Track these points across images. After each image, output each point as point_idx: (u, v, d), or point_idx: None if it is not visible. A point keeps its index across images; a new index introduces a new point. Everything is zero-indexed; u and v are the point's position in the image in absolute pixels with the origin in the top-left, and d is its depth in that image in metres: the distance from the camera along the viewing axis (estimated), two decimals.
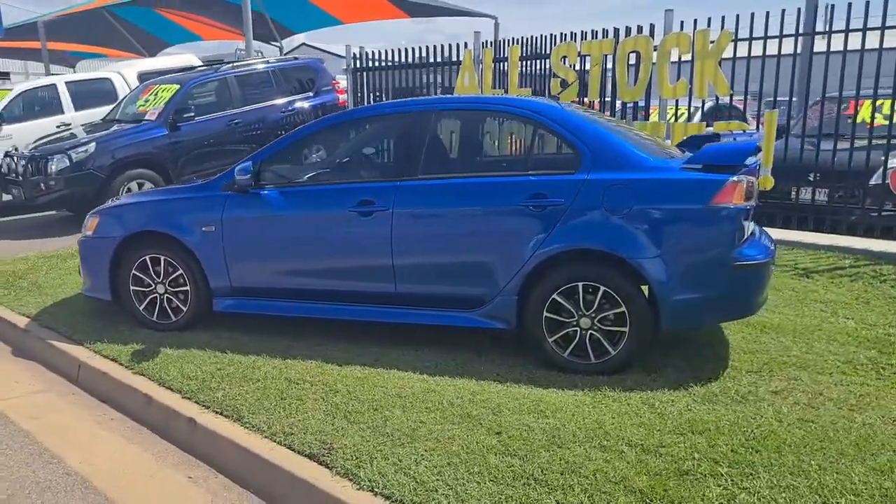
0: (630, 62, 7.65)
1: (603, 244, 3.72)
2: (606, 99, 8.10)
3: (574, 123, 3.91)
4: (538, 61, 8.63)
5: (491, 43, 8.88)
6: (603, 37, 7.89)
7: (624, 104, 8.00)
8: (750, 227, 3.93)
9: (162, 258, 4.49)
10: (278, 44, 21.98)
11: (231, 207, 4.32)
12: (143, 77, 10.90)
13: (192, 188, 4.68)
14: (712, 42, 7.06)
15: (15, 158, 8.70)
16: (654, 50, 7.43)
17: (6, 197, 9.27)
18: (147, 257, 4.52)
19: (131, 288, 4.60)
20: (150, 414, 3.62)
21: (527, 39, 8.58)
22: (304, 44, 30.77)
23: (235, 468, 3.11)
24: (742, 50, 7.13)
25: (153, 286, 4.56)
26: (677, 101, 7.65)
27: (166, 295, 4.55)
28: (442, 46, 9.57)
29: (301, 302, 4.32)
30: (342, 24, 22.79)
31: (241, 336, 4.43)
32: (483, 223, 3.93)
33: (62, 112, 10.25)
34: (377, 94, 10.36)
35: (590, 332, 3.80)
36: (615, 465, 2.82)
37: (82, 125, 9.77)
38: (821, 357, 4.01)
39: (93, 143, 8.41)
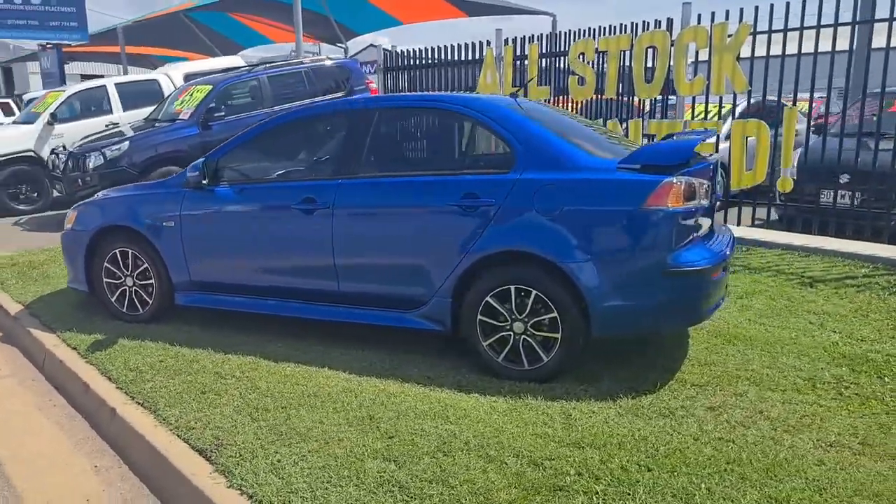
0: (648, 60, 7.38)
1: (533, 246, 3.58)
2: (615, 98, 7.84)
3: (511, 121, 3.78)
4: (560, 59, 8.40)
5: (513, 40, 8.72)
6: (621, 32, 7.63)
7: (654, 101, 7.69)
8: (702, 229, 3.69)
9: (130, 252, 4.66)
10: (343, 45, 22.42)
11: (188, 204, 4.43)
12: (188, 78, 11.32)
13: (157, 184, 4.83)
14: (730, 36, 6.70)
15: (59, 155, 9.24)
16: (672, 45, 7.13)
17: (55, 192, 9.87)
18: (117, 251, 4.70)
19: (104, 280, 4.79)
20: (86, 402, 3.76)
21: (547, 36, 8.38)
22: (371, 45, 31.26)
23: (137, 459, 3.18)
24: (762, 44, 6.72)
25: (123, 279, 4.73)
26: (712, 98, 7.28)
27: (134, 288, 4.72)
28: (468, 44, 9.49)
29: (252, 298, 4.38)
30: (402, 25, 23.02)
31: (200, 330, 4.53)
32: (418, 223, 3.87)
33: (111, 112, 10.79)
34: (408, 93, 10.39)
35: (523, 337, 3.66)
36: (489, 477, 2.71)
37: (129, 124, 10.27)
38: (781, 372, 3.72)
39: (126, 142, 8.82)
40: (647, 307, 3.51)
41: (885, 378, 3.65)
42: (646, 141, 7.31)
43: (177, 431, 3.20)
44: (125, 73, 20.19)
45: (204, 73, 11.28)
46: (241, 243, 4.35)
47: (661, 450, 2.93)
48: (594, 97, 8.10)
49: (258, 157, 4.45)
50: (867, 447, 2.97)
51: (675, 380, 3.67)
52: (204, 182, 4.30)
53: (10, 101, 20.49)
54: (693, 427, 3.15)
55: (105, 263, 4.75)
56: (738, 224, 7.06)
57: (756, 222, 7.28)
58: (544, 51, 8.45)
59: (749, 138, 6.75)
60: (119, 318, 4.78)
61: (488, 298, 3.68)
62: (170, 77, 11.34)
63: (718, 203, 7.21)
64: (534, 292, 3.59)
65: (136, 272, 4.68)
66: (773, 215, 7.77)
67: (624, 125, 7.76)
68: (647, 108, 8.30)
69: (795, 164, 7.17)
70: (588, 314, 3.52)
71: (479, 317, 3.72)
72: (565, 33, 8.18)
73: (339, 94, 10.57)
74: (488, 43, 8.99)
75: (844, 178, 6.70)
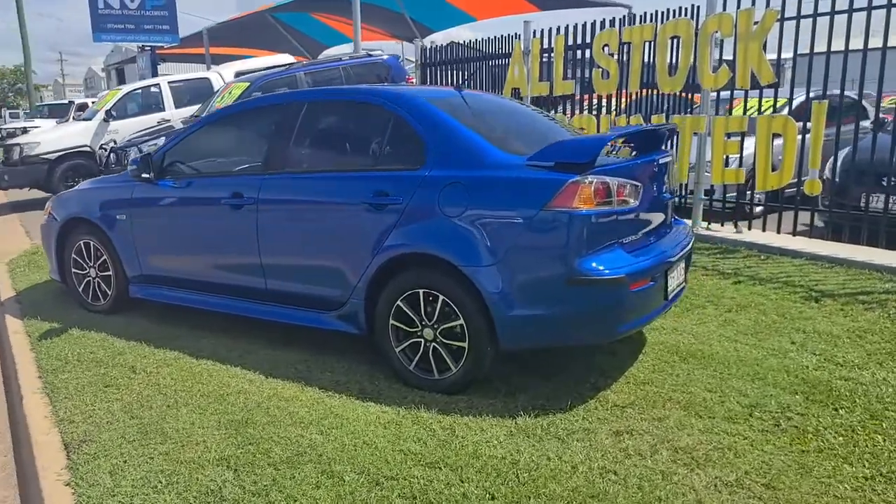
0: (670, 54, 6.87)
1: (437, 249, 3.33)
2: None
3: (425, 115, 3.54)
4: (586, 51, 7.97)
5: (540, 32, 8.37)
6: (646, 21, 7.14)
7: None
8: (630, 232, 3.32)
9: (91, 243, 4.76)
10: (420, 42, 22.52)
11: (137, 198, 4.47)
12: (238, 76, 11.65)
13: (115, 178, 4.90)
14: (756, 23, 6.11)
15: (106, 151, 9.72)
16: (696, 34, 6.59)
17: None
18: (81, 242, 4.81)
19: (72, 270, 4.93)
20: (11, 388, 3.85)
21: (573, 28, 7.97)
22: (452, 42, 31.29)
23: (21, 448, 3.21)
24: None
25: (87, 270, 4.85)
26: (762, 91, 6.68)
27: (97, 279, 4.82)
28: (501, 37, 9.21)
29: (192, 293, 4.36)
30: (476, 21, 22.85)
31: (151, 323, 4.57)
32: (334, 221, 3.71)
33: (164, 109, 11.26)
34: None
35: (433, 344, 3.43)
36: (315, 493, 2.52)
37: (180, 120, 10.68)
38: (721, 397, 3.30)
39: (162, 137, 9.15)
40: (553, 319, 3.18)
41: (840, 411, 3.16)
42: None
43: (58, 424, 3.20)
44: None
45: (253, 71, 11.57)
46: (182, 238, 4.34)
47: (525, 476, 2.63)
48: (648, 92, 7.62)
49: (201, 151, 4.42)
50: (770, 490, 2.56)
51: (598, 399, 3.33)
52: (145, 175, 4.32)
53: (89, 101, 21.92)
54: (582, 453, 2.83)
55: (73, 254, 4.88)
56: (779, 231, 6.39)
57: (802, 228, 6.49)
58: (570, 43, 8.04)
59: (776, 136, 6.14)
60: (85, 307, 4.90)
61: (399, 302, 3.47)
62: (221, 75, 11.70)
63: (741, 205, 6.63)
64: (441, 298, 3.35)
65: (98, 263, 4.78)
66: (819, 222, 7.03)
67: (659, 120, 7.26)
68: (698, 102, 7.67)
69: (839, 163, 6.49)
70: (494, 324, 3.24)
71: (392, 321, 3.52)
72: (591, 24, 7.75)
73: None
74: (517, 36, 8.68)
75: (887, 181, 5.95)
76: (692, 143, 6.76)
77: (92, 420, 3.20)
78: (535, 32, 8.48)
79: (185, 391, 3.47)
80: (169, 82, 11.45)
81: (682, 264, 3.74)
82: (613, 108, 7.81)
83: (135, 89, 11.43)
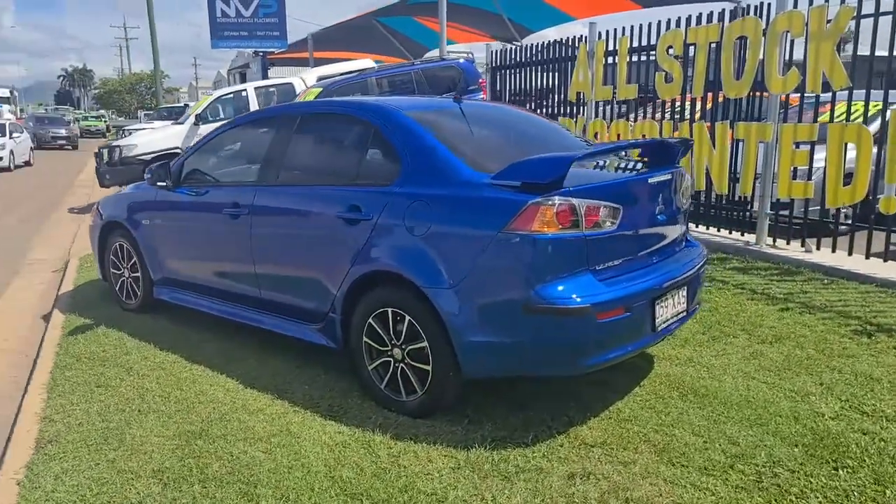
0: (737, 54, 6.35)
1: (401, 268, 3.21)
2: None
3: (401, 129, 3.42)
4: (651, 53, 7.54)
5: (605, 34, 8.01)
6: (714, 21, 6.65)
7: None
8: (609, 260, 3.06)
9: (124, 245, 5.01)
10: (519, 44, 22.31)
11: (159, 204, 4.65)
12: (321, 80, 11.98)
13: (146, 184, 5.12)
14: (829, 21, 5.53)
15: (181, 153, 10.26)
16: (763, 34, 6.06)
17: None
18: (117, 244, 5.08)
19: (110, 270, 5.21)
20: (27, 386, 4.10)
21: (639, 28, 7.56)
22: (556, 41, 30.79)
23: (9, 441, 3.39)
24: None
25: (122, 270, 5.10)
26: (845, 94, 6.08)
27: (129, 279, 5.06)
28: (569, 40, 8.91)
29: (202, 297, 4.48)
30: (575, 20, 22.29)
31: (170, 324, 4.74)
32: (315, 234, 3.67)
33: None
34: (513, 93, 10.03)
35: (401, 365, 3.33)
36: None
37: None
38: (707, 443, 2.98)
39: None
40: (513, 348, 2.98)
41: (840, 471, 2.76)
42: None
43: (41, 421, 3.36)
44: None
45: (333, 75, 11.85)
46: (192, 244, 4.48)
47: None
48: (678, 98, 7.14)
49: (212, 161, 4.52)
50: None
51: (568, 434, 3.10)
52: (161, 183, 4.48)
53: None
54: (520, 496, 2.63)
55: (111, 255, 5.16)
56: (850, 253, 5.68)
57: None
58: (636, 44, 7.63)
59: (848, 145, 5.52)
60: (120, 305, 5.16)
61: (371, 320, 3.39)
62: (304, 80, 12.05)
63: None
64: (407, 318, 3.24)
65: (129, 264, 5.02)
66: None
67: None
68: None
69: None
70: (454, 349, 3.09)
71: (365, 338, 3.44)
72: (657, 24, 7.31)
73: (451, 94, 10.50)
74: (580, 39, 8.36)
75: None
76: (758, 153, 6.23)
77: (68, 420, 3.34)
78: (600, 34, 8.14)
79: (163, 397, 3.55)
80: (255, 87, 11.93)
81: (683, 291, 3.41)
82: (675, 113, 7.32)
83: (223, 95, 12.01)
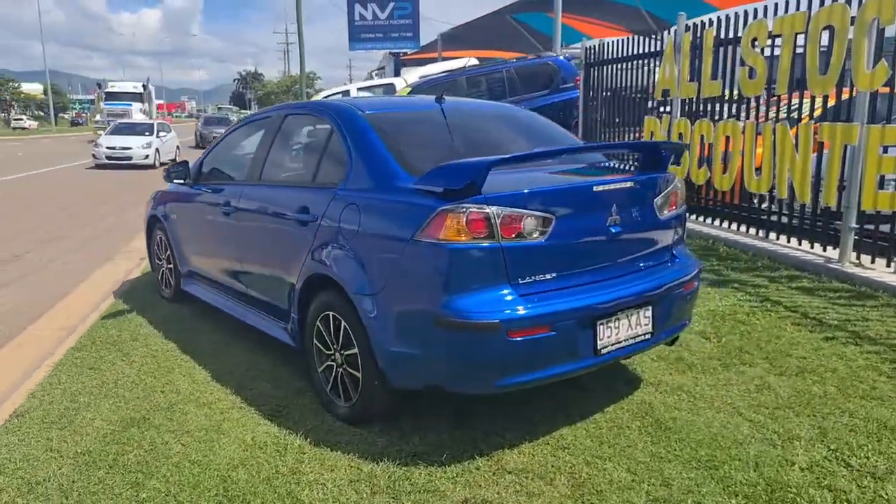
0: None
1: (333, 272, 3.14)
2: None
3: (354, 130, 3.33)
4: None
5: (692, 26, 7.41)
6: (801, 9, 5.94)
7: None
8: (540, 273, 2.79)
9: (163, 238, 5.34)
10: (658, 37, 21.38)
11: (183, 199, 4.91)
12: (423, 79, 12.12)
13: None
14: None
15: None
16: (851, 23, 5.32)
17: None
18: (158, 236, 5.43)
19: (154, 261, 5.58)
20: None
21: (724, 19, 6.92)
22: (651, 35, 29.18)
23: None
24: None
25: (161, 260, 5.45)
26: None
27: (166, 269, 5.39)
28: (661, 34, 8.35)
29: (209, 290, 4.67)
30: (718, 11, 20.85)
31: (192, 312, 4.97)
32: (277, 235, 3.70)
33: None
34: (605, 90, 9.56)
35: (341, 370, 3.27)
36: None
37: None
38: (633, 482, 2.67)
39: None
40: (429, 360, 2.81)
41: None
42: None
43: (28, 397, 3.61)
44: None
45: (434, 75, 11.94)
46: (201, 239, 4.69)
47: None
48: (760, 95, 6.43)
49: (221, 159, 4.68)
50: None
51: (489, 457, 2.88)
52: (178, 181, 4.72)
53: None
54: None
55: (154, 247, 5.53)
56: None
57: None
58: (722, 36, 6.99)
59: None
60: (160, 293, 5.52)
61: (318, 323, 3.36)
62: (405, 80, 12.25)
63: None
64: (343, 323, 3.17)
65: (166, 256, 5.35)
66: None
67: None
68: None
69: None
70: (376, 358, 2.98)
71: (315, 340, 3.42)
72: (744, 14, 6.65)
73: (542, 92, 10.25)
74: (669, 31, 7.79)
75: None
76: (844, 158, 5.48)
77: (46, 397, 3.60)
78: (687, 26, 7.54)
79: (133, 384, 3.73)
80: (358, 88, 12.30)
81: (646, 311, 3.05)
82: (756, 111, 6.61)
83: (331, 94, 12.48)
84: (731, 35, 6.84)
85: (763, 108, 6.58)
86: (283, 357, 4.03)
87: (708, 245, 6.72)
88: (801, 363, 3.77)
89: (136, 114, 30.79)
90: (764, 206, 6.60)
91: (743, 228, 6.86)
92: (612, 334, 2.94)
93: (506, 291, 2.72)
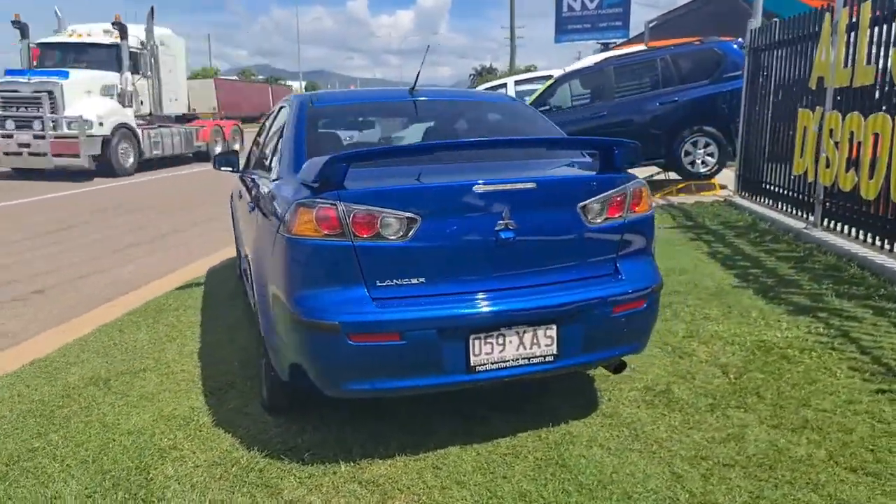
0: None
1: (249, 258, 3.20)
2: None
3: (296, 120, 3.37)
4: None
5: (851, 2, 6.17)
6: None
7: None
8: (407, 277, 2.57)
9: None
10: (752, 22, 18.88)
11: (237, 187, 5.25)
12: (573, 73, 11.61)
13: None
14: None
15: None
16: None
17: None
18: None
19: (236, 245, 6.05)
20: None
21: None
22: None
23: None
24: None
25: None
26: None
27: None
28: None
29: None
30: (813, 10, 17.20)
31: (244, 298, 5.33)
32: (254, 222, 3.80)
33: None
34: (780, 80, 8.06)
35: (264, 359, 3.31)
36: None
37: None
38: None
39: None
40: (289, 356, 2.74)
41: None
42: None
43: (48, 354, 4.10)
44: None
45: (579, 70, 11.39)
46: (240, 227, 4.98)
47: None
48: None
49: (254, 149, 4.87)
50: None
51: (358, 465, 2.74)
52: (227, 169, 5.00)
53: None
54: None
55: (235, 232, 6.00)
56: None
57: None
58: (879, 13, 5.73)
59: None
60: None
61: None
62: (564, 70, 11.83)
63: None
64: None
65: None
66: None
67: None
68: None
69: None
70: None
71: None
72: None
73: (703, 82, 9.34)
74: (828, 8, 6.59)
75: None
76: None
77: (56, 353, 4.06)
78: (845, 2, 6.30)
79: (133, 348, 4.10)
80: (516, 81, 12.12)
81: (549, 331, 2.67)
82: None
83: (490, 87, 12.46)
84: (889, 10, 5.58)
85: None
86: None
87: (839, 264, 5.59)
88: (812, 416, 3.02)
89: None
90: None
91: (888, 246, 5.59)
92: (494, 351, 2.62)
93: (358, 293, 2.56)
